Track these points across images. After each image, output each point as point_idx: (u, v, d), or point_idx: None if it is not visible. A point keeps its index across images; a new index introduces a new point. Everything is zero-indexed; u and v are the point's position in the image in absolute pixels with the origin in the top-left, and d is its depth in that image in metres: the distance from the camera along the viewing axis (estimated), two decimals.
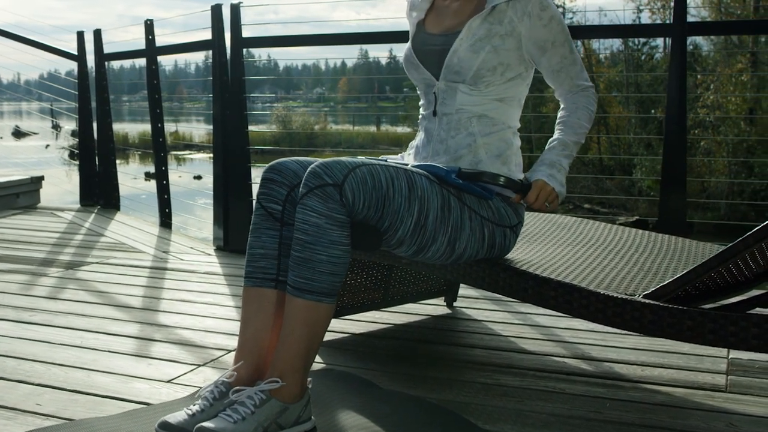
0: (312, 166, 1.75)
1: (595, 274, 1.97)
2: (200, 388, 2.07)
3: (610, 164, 19.46)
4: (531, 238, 2.42)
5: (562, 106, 2.14)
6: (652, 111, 19.75)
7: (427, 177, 1.89)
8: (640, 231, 2.56)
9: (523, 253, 2.18)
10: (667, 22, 20.13)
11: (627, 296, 1.76)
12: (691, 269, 1.65)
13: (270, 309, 1.84)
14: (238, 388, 1.73)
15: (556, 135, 2.09)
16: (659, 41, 22.91)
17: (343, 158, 1.78)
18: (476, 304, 3.02)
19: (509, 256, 2.12)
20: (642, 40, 22.02)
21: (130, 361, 2.36)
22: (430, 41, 2.10)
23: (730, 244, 1.59)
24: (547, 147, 2.08)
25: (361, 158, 1.82)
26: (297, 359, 1.72)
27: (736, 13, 20.43)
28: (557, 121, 2.12)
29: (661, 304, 1.69)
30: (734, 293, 1.94)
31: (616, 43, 23.32)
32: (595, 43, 23.18)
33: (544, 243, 2.36)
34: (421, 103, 2.17)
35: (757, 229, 1.54)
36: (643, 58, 22.55)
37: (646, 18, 22.62)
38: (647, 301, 1.71)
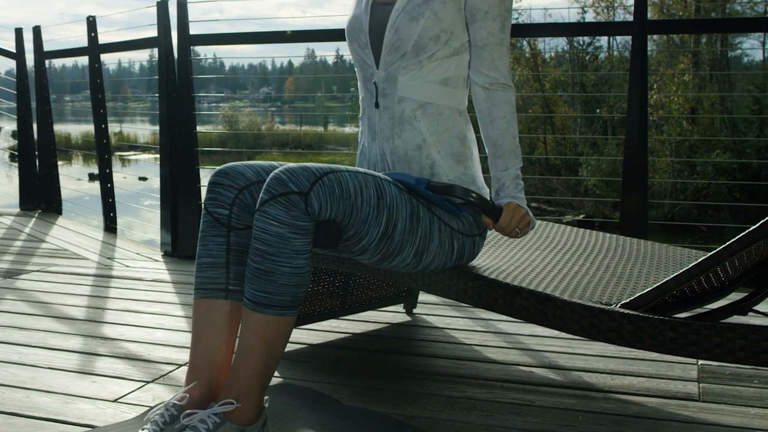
0: (276, 171, 1.61)
1: (567, 282, 1.88)
2: (149, 408, 1.94)
3: (557, 163, 19.63)
4: (498, 243, 2.33)
5: (486, 116, 1.90)
6: (597, 110, 19.99)
7: (396, 185, 1.77)
8: (607, 234, 2.48)
9: (491, 259, 2.08)
10: (612, 20, 20.54)
11: (604, 306, 1.67)
12: (672, 277, 1.57)
13: (221, 321, 1.72)
14: (189, 411, 1.60)
15: (500, 166, 1.88)
16: (603, 41, 23.28)
17: (309, 164, 1.64)
18: (436, 311, 2.93)
19: (477, 262, 2.02)
20: (586, 39, 22.31)
21: (73, 378, 2.21)
22: (375, 14, 1.94)
23: (713, 251, 1.52)
24: (499, 181, 1.89)
25: (327, 164, 1.69)
26: (254, 379, 1.60)
27: (678, 15, 20.77)
28: (491, 141, 1.89)
29: (640, 315, 1.60)
30: (711, 300, 1.87)
31: (561, 44, 23.63)
32: (540, 44, 23.45)
33: (512, 247, 2.27)
34: (361, 97, 2.03)
35: (742, 236, 1.47)
36: (587, 58, 22.83)
37: (590, 18, 22.91)
38: (626, 311, 1.62)
